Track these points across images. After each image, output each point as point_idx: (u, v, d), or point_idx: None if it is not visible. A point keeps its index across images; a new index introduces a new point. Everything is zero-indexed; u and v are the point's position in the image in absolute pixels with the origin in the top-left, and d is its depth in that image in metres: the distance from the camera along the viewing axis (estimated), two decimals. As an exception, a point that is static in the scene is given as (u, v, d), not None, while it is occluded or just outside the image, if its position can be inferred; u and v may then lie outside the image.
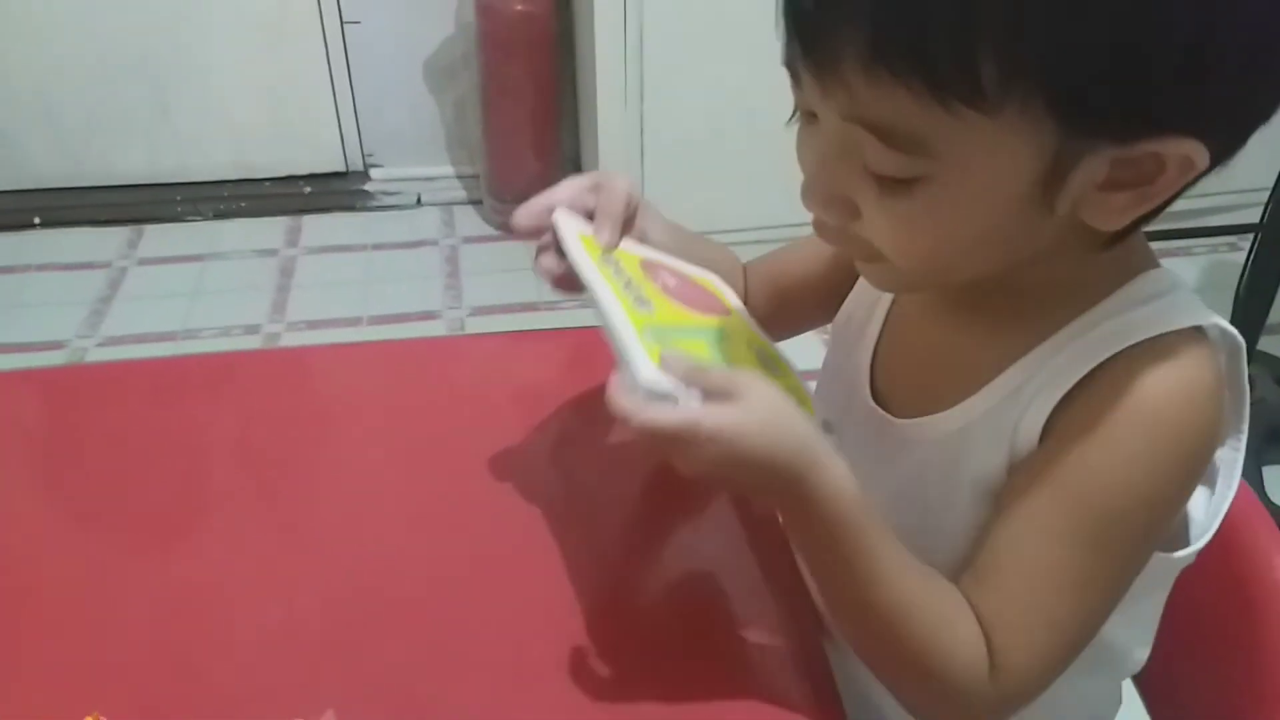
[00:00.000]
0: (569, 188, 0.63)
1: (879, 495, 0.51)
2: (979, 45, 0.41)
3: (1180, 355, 0.49)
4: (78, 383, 0.86)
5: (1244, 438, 0.56)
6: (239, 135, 2.42)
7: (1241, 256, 1.58)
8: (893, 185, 0.47)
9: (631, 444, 0.73)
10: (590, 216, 0.62)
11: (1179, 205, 0.49)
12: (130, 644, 0.58)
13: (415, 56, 2.38)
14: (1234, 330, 0.53)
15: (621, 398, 0.48)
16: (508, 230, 2.37)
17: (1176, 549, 0.56)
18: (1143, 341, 0.50)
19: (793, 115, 0.52)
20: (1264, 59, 0.44)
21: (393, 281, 2.24)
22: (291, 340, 2.05)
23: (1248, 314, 1.49)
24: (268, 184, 2.46)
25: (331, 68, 2.36)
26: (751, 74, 1.91)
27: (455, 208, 2.50)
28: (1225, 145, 0.46)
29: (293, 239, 2.39)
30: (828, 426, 0.53)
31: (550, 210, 0.62)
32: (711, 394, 0.48)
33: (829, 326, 0.70)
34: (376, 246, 2.36)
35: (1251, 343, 1.52)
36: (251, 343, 2.03)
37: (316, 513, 0.68)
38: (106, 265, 2.27)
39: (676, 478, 0.70)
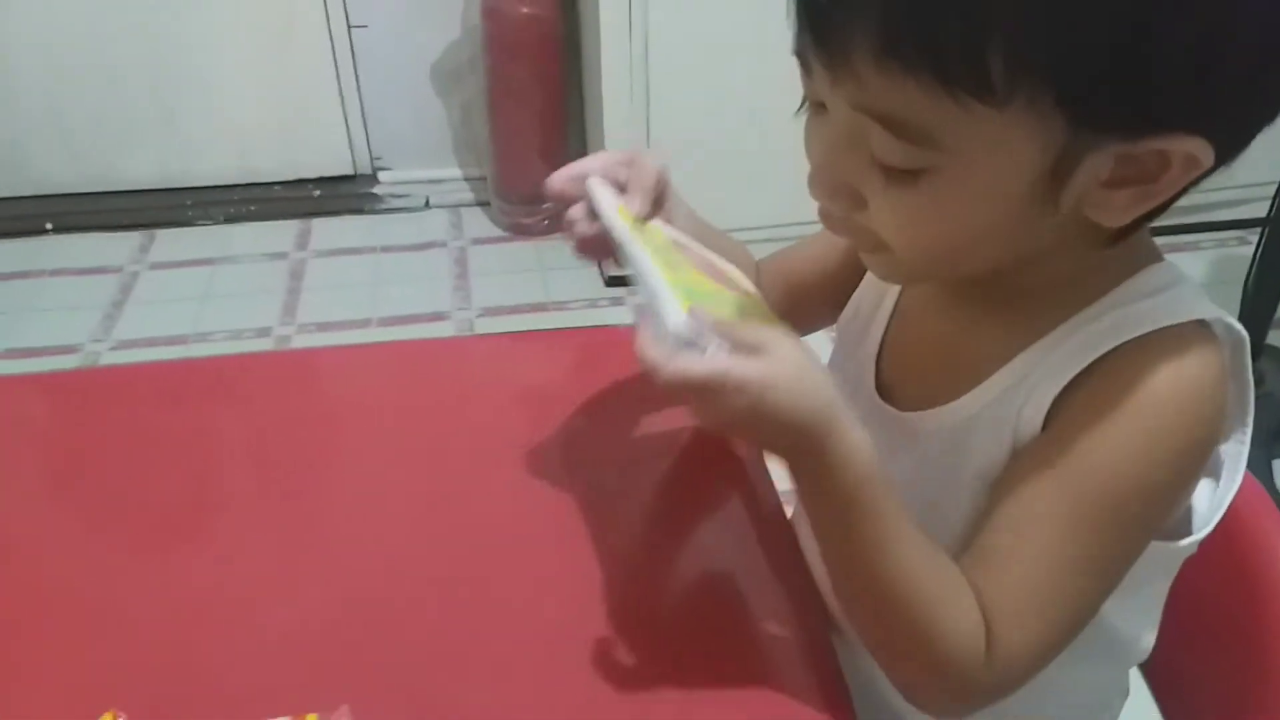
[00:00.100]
0: (603, 158, 0.63)
1: None
2: (989, 40, 0.42)
3: (1184, 347, 0.50)
4: (92, 386, 0.87)
5: (1249, 431, 0.56)
6: (248, 140, 2.43)
7: (1250, 250, 1.58)
8: (899, 176, 0.48)
9: (641, 442, 0.74)
10: (621, 190, 0.62)
11: (1187, 200, 0.50)
12: (147, 642, 0.59)
13: (422, 60, 2.39)
14: (1239, 325, 0.53)
15: (650, 348, 0.48)
16: (516, 231, 2.40)
17: (1179, 539, 0.56)
18: (1147, 333, 0.50)
19: (801, 105, 0.53)
20: (1270, 60, 0.44)
21: (402, 283, 2.25)
22: (302, 342, 2.06)
23: (1256, 308, 1.48)
24: (277, 188, 2.48)
25: (339, 72, 2.37)
26: (756, 75, 1.91)
27: (463, 209, 2.51)
28: (1230, 144, 0.46)
29: (302, 242, 2.40)
30: None
31: (583, 178, 0.62)
32: (740, 347, 0.48)
33: (836, 325, 0.71)
34: (385, 249, 2.37)
35: (1260, 336, 1.52)
36: (262, 345, 2.04)
37: (329, 512, 0.69)
38: (118, 270, 2.29)
39: (686, 476, 0.72)
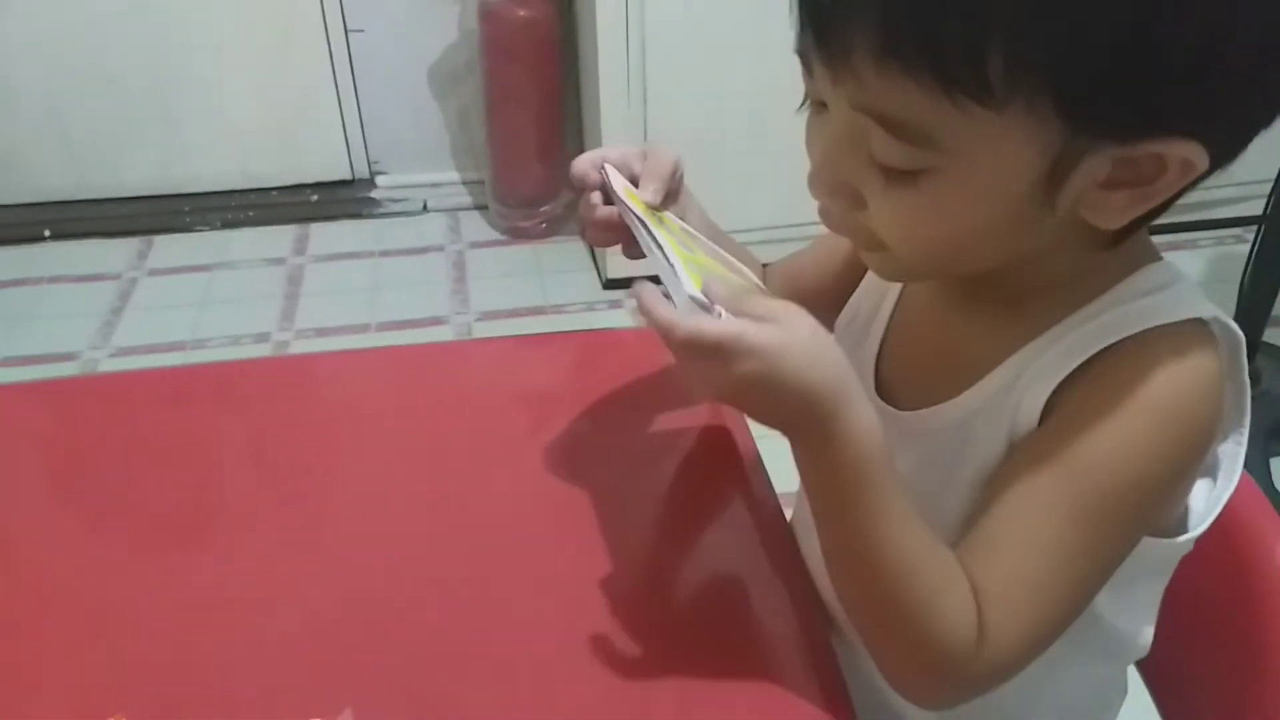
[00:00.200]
0: (620, 149, 0.64)
1: None
2: (988, 42, 0.42)
3: (1182, 345, 0.50)
4: (91, 393, 0.87)
5: (1246, 432, 0.56)
6: (246, 145, 2.44)
7: (1246, 248, 1.58)
8: (898, 176, 0.48)
9: (640, 445, 0.74)
10: (635, 181, 0.63)
11: (1184, 198, 0.50)
12: (151, 646, 0.59)
13: (419, 64, 2.40)
14: (1235, 325, 0.53)
15: (662, 307, 0.49)
16: (514, 235, 2.40)
17: (1175, 537, 0.56)
18: (1145, 330, 0.50)
19: (803, 104, 0.53)
20: (1267, 66, 0.45)
21: (400, 288, 2.25)
22: (301, 348, 2.06)
23: (1252, 306, 1.49)
24: (275, 193, 2.48)
25: (336, 76, 2.38)
26: (753, 77, 1.92)
27: (461, 213, 2.51)
28: (1226, 149, 0.47)
29: (300, 247, 2.40)
30: None
31: (600, 164, 0.63)
32: (753, 317, 0.48)
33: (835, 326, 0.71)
34: (384, 253, 2.38)
35: (1257, 335, 1.52)
36: (261, 351, 2.05)
37: (330, 516, 0.69)
38: (117, 276, 2.29)
39: (686, 478, 0.72)
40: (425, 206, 2.53)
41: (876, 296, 0.66)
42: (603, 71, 1.96)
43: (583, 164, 0.64)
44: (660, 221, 0.60)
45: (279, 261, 2.35)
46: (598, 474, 0.70)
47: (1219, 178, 0.49)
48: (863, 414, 0.49)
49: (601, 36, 1.93)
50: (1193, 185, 0.48)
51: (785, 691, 0.56)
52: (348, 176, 2.50)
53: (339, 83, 2.39)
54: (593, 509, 0.67)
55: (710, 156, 2.00)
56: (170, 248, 2.40)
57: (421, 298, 2.20)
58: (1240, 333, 0.53)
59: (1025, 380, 0.53)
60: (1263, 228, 1.52)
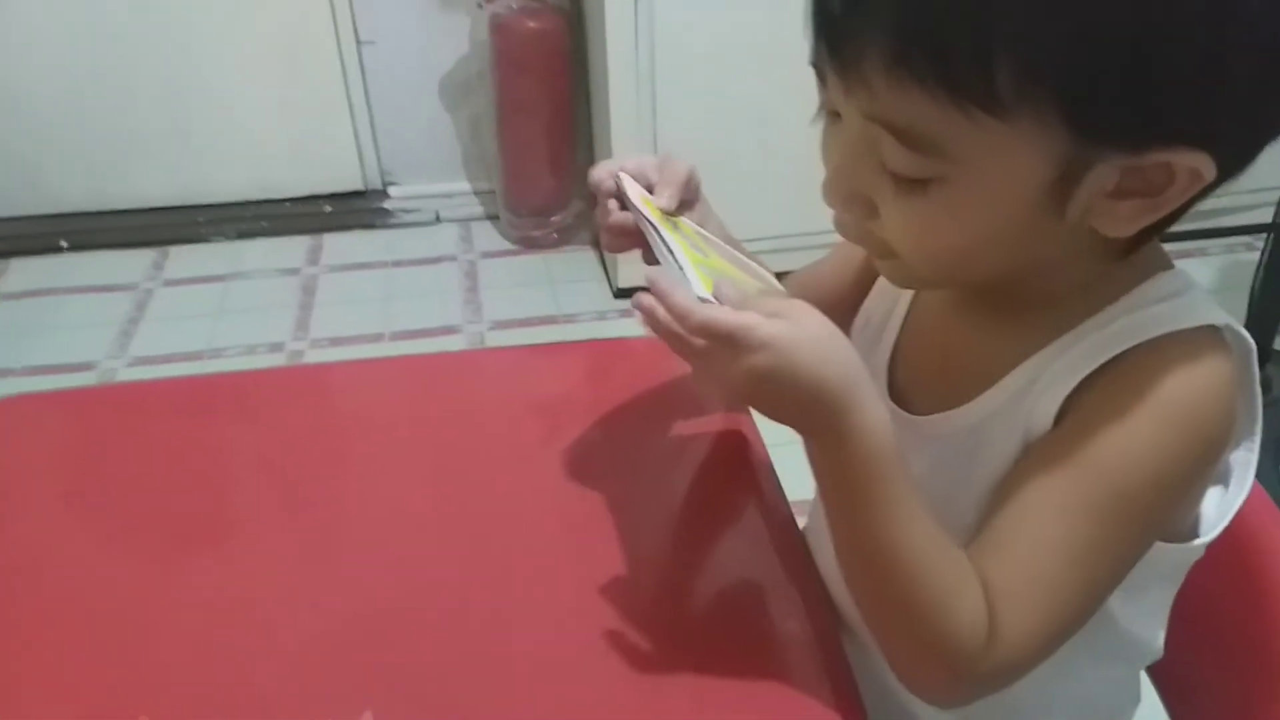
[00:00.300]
0: (636, 159, 0.65)
1: None
2: (996, 53, 0.43)
3: (1196, 350, 0.50)
4: (109, 402, 0.89)
5: (1257, 440, 0.56)
6: (259, 157, 2.45)
7: (1257, 256, 1.58)
8: (909, 185, 0.49)
9: (652, 452, 0.74)
10: (651, 190, 0.64)
11: (1194, 207, 0.50)
12: (172, 651, 0.60)
13: (430, 75, 2.41)
14: (1246, 333, 0.53)
15: (676, 294, 0.49)
16: (525, 244, 2.41)
17: (1188, 542, 0.56)
18: (1159, 336, 0.51)
19: (817, 114, 0.54)
20: (1272, 79, 0.45)
21: (413, 297, 2.26)
22: (315, 357, 2.07)
23: (1262, 314, 1.49)
24: (288, 204, 2.50)
25: (348, 88, 2.39)
26: (762, 88, 1.93)
27: (473, 223, 2.53)
28: (1234, 159, 0.47)
29: (314, 257, 2.42)
30: None
31: (616, 173, 0.64)
32: (766, 313, 0.49)
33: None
34: (396, 263, 2.39)
35: (1267, 342, 1.52)
36: (276, 360, 2.06)
37: (345, 523, 0.70)
38: (133, 287, 2.31)
39: (699, 485, 0.73)
40: (437, 217, 2.54)
41: (889, 302, 0.67)
42: (613, 82, 1.97)
43: (599, 173, 0.65)
44: (675, 226, 0.61)
45: (293, 272, 2.37)
46: (610, 481, 0.71)
47: (1229, 186, 0.50)
48: (874, 411, 0.49)
49: (611, 48, 1.94)
50: (1202, 195, 0.48)
51: (797, 693, 0.56)
52: (360, 187, 2.52)
53: (351, 94, 2.40)
54: (605, 516, 0.68)
55: (719, 166, 2.00)
56: (186, 258, 2.42)
57: (434, 307, 2.21)
58: (1251, 341, 0.54)
59: (1040, 385, 0.54)
60: (1272, 235, 1.52)
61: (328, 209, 2.51)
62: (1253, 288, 1.53)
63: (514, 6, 2.16)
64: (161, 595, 0.64)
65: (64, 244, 2.43)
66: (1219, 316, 0.52)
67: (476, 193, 2.56)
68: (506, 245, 2.43)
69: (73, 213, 2.45)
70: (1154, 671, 0.69)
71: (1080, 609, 0.52)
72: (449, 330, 2.14)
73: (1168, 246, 0.56)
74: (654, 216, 0.61)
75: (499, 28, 2.18)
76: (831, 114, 0.53)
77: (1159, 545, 0.54)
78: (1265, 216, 1.57)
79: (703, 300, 0.50)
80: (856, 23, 0.46)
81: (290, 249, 2.44)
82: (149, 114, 2.37)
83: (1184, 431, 0.50)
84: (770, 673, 0.58)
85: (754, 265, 0.62)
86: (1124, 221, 0.49)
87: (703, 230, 0.64)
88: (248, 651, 0.60)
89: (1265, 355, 1.51)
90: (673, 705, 0.56)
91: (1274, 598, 0.62)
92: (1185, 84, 0.44)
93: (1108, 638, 0.56)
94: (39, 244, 2.42)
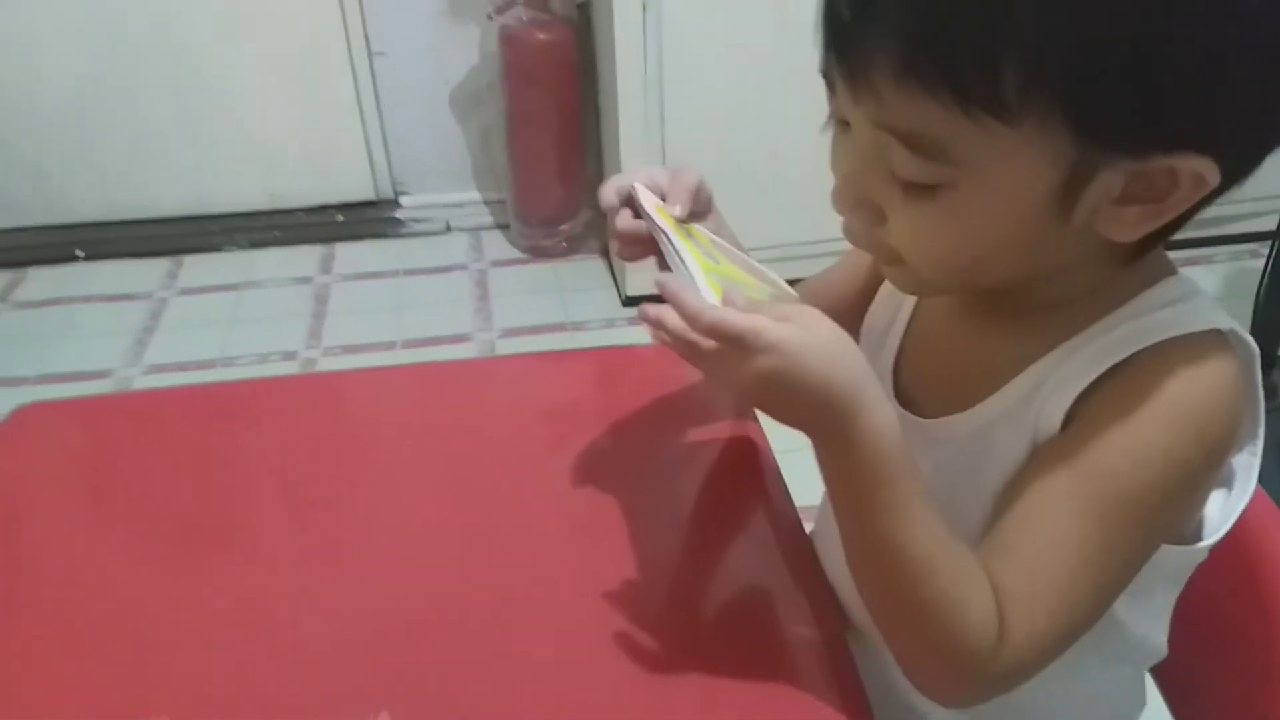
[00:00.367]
0: (648, 171, 0.66)
1: None
2: (1003, 60, 0.44)
3: (1202, 353, 0.51)
4: (124, 410, 0.89)
5: (1260, 444, 0.57)
6: (272, 167, 2.47)
7: (1262, 263, 1.58)
8: (917, 191, 0.50)
9: (662, 458, 0.75)
10: (664, 198, 0.65)
11: (1200, 214, 0.51)
12: (189, 652, 0.61)
13: (441, 86, 2.43)
14: (1250, 338, 0.54)
15: (687, 296, 0.50)
16: (535, 253, 2.43)
17: (1192, 545, 0.57)
18: (1165, 340, 0.51)
19: (826, 123, 0.55)
20: (1276, 83, 0.46)
21: (424, 306, 2.27)
22: (327, 365, 2.08)
23: (1267, 320, 1.48)
24: (301, 214, 2.52)
25: (360, 99, 2.41)
26: (769, 100, 1.94)
27: (483, 232, 2.54)
28: (1238, 165, 0.48)
29: (326, 267, 2.44)
30: None
31: (628, 186, 0.65)
32: (775, 317, 0.49)
33: None
34: (408, 272, 2.40)
35: (1271, 348, 1.51)
36: (288, 368, 2.07)
37: (358, 528, 0.71)
38: (148, 296, 2.33)
39: (707, 491, 0.73)
40: (448, 226, 2.55)
41: (892, 308, 0.67)
42: (621, 93, 1.98)
43: (608, 192, 0.65)
44: (689, 234, 0.62)
45: (306, 280, 2.38)
46: (619, 487, 0.71)
47: (1234, 193, 0.50)
48: (882, 413, 0.49)
49: (620, 59, 1.95)
50: (1207, 201, 0.49)
51: (805, 696, 0.57)
52: (372, 197, 2.53)
53: (363, 105, 2.42)
54: (615, 522, 0.68)
55: (727, 176, 2.01)
56: (199, 267, 2.43)
57: (445, 315, 2.23)
58: (1255, 346, 0.54)
59: (1047, 389, 0.54)
60: (1278, 243, 1.52)
61: (340, 219, 2.52)
62: (1257, 294, 1.53)
63: (523, 19, 2.17)
64: (177, 599, 0.65)
65: (80, 253, 2.45)
66: (1224, 321, 0.52)
67: (487, 202, 2.57)
68: (516, 254, 2.44)
69: (88, 223, 2.47)
70: (1157, 673, 0.70)
71: (1089, 610, 0.52)
72: (460, 338, 2.16)
73: (1174, 254, 0.56)
74: (667, 225, 0.61)
75: (509, 39, 2.19)
76: (840, 123, 0.53)
77: (1164, 548, 0.54)
78: (1270, 224, 1.57)
79: (712, 305, 0.51)
80: (865, 31, 0.47)
81: (303, 258, 2.46)
82: (164, 125, 2.40)
83: (1191, 434, 0.50)
84: (777, 676, 0.58)
85: (767, 272, 0.63)
86: (1129, 227, 0.49)
87: (717, 238, 0.65)
88: (263, 654, 0.61)
89: (1270, 361, 1.51)
90: (682, 707, 0.57)
91: (1276, 600, 0.62)
92: (1188, 89, 0.44)
93: (1113, 639, 0.56)
94: (55, 253, 2.44)
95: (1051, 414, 0.53)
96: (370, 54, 2.37)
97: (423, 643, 0.61)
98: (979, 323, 0.60)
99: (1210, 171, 0.46)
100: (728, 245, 0.65)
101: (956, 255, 0.52)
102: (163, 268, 2.43)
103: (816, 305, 0.70)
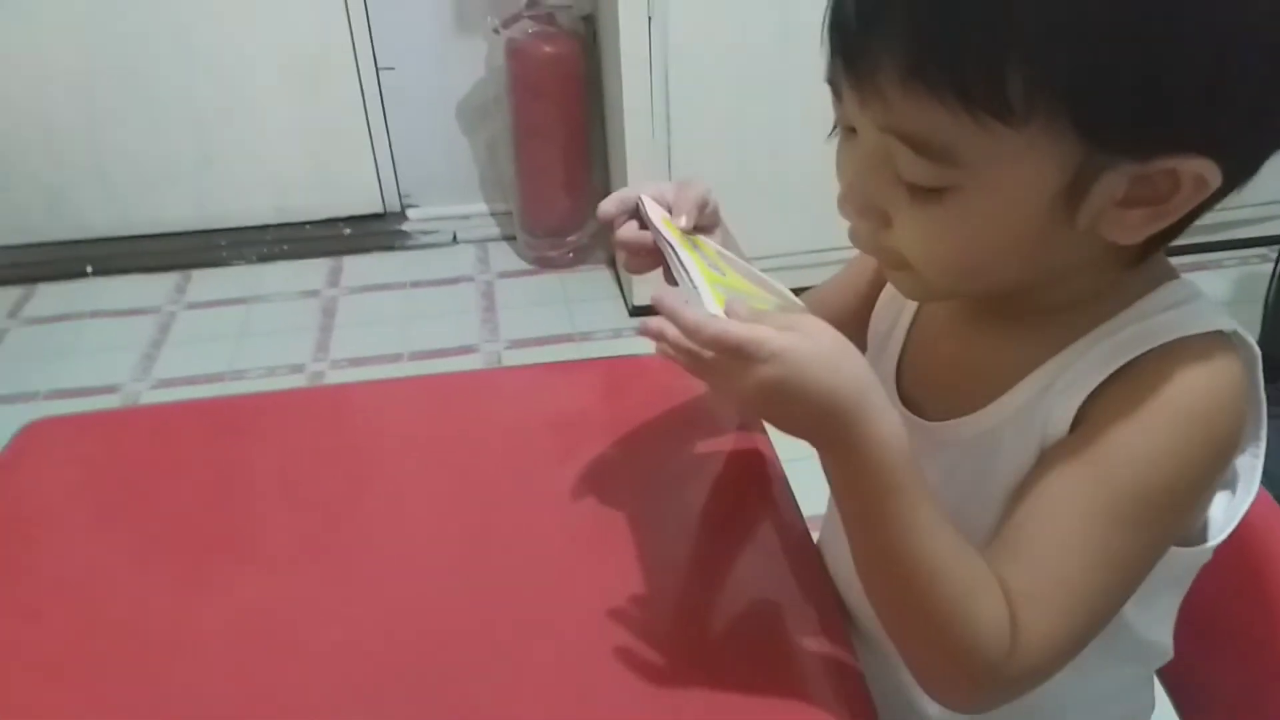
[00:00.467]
0: (654, 184, 0.66)
1: None
2: (1008, 63, 0.44)
3: (1207, 354, 0.51)
4: (135, 425, 0.90)
5: (1263, 445, 0.57)
6: (280, 181, 2.49)
7: (1271, 267, 1.57)
8: (923, 195, 0.50)
9: (669, 467, 0.75)
10: (670, 211, 0.65)
11: (1209, 218, 0.51)
12: (200, 664, 0.61)
13: (448, 100, 2.44)
14: (1251, 340, 0.54)
15: (687, 311, 0.50)
16: (541, 264, 2.43)
17: (1196, 546, 0.57)
18: (1170, 342, 0.51)
19: (833, 130, 0.55)
20: (1274, 90, 0.46)
21: (431, 318, 2.28)
22: (335, 378, 2.09)
23: (1276, 324, 1.48)
24: (309, 227, 2.53)
25: (368, 113, 2.43)
26: (774, 110, 1.95)
27: (490, 244, 2.55)
28: (1239, 167, 0.48)
29: (334, 279, 2.45)
30: None
31: (633, 199, 0.65)
32: (778, 326, 0.50)
33: None
34: (415, 284, 2.41)
35: (1283, 353, 1.51)
36: (297, 381, 2.08)
37: (366, 540, 0.71)
38: (156, 310, 2.34)
39: (714, 499, 0.73)
40: (455, 238, 2.56)
41: (894, 312, 0.68)
42: (627, 105, 1.99)
43: (609, 203, 0.66)
44: (695, 246, 0.62)
45: (313, 294, 2.39)
46: (626, 497, 0.72)
47: (1242, 197, 0.50)
48: (887, 421, 0.50)
49: (625, 70, 1.96)
50: (1210, 204, 0.49)
51: (811, 706, 0.57)
52: (379, 210, 2.54)
53: (370, 119, 2.43)
54: (622, 531, 0.68)
55: (733, 185, 2.02)
56: (207, 282, 2.45)
57: (452, 327, 2.23)
58: (1256, 348, 0.54)
59: (1054, 391, 0.54)
60: (1287, 247, 1.52)
61: (347, 232, 2.54)
62: (1267, 298, 1.52)
63: (529, 31, 2.18)
64: (186, 612, 0.65)
65: (89, 269, 2.47)
66: (1226, 323, 0.53)
67: (493, 214, 2.58)
68: (523, 265, 2.45)
69: (97, 238, 2.48)
70: (1164, 675, 0.69)
71: (1100, 612, 0.52)
72: (467, 350, 2.16)
73: (1184, 259, 0.57)
74: (673, 237, 0.62)
75: (515, 52, 2.20)
76: (847, 130, 0.54)
77: (1170, 549, 0.54)
78: (1278, 229, 1.57)
79: (713, 317, 0.51)
80: (872, 37, 0.47)
81: (310, 271, 2.47)
82: (172, 141, 2.41)
83: (1198, 433, 0.51)
84: (784, 686, 0.58)
85: (773, 283, 0.63)
86: (1133, 229, 0.49)
87: (723, 250, 0.65)
88: (272, 666, 0.61)
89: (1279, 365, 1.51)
90: (690, 716, 0.57)
91: (1278, 598, 0.62)
92: (1191, 91, 0.45)
93: (1119, 640, 0.56)
94: (64, 269, 2.46)
95: (1060, 416, 0.54)
96: (378, 68, 2.39)
97: (430, 653, 0.61)
98: (981, 327, 0.60)
99: (1212, 173, 0.47)
100: (734, 257, 0.65)
101: (962, 259, 0.52)
102: (171, 282, 2.44)
103: (820, 314, 0.70)
